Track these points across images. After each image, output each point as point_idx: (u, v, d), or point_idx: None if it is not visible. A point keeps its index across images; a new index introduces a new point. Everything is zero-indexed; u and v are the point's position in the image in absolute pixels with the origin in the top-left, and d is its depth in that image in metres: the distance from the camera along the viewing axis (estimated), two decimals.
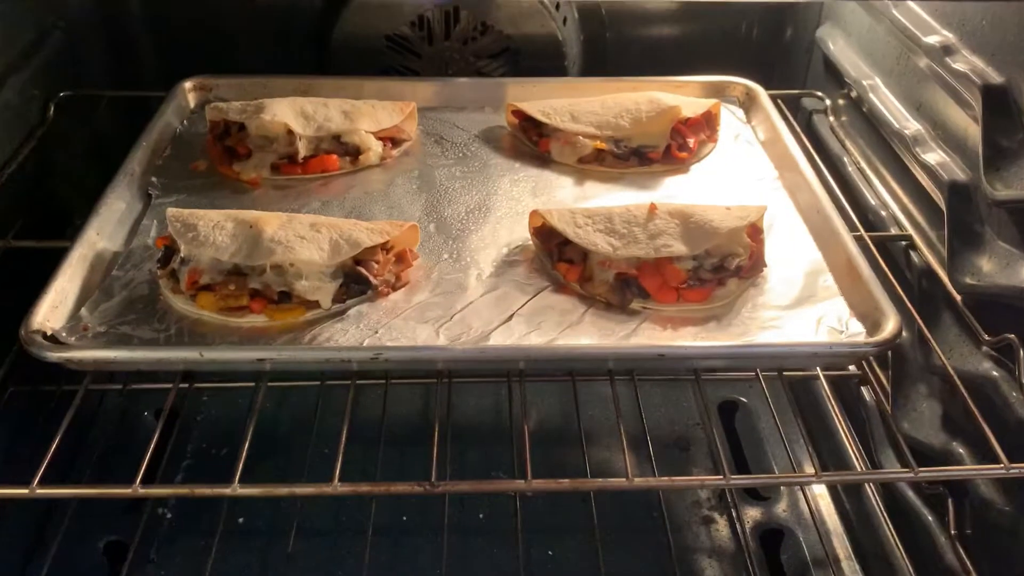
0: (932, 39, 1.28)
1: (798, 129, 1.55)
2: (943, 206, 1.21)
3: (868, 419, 1.39)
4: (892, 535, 1.32)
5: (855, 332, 1.08)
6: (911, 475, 1.02)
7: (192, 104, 1.54)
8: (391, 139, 1.45)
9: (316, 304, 1.10)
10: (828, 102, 1.70)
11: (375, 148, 1.40)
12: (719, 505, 1.47)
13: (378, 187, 1.36)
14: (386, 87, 1.57)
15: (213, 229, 1.14)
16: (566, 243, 1.18)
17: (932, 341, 1.19)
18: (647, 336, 1.09)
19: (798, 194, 1.35)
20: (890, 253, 1.37)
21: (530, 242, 1.24)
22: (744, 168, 1.43)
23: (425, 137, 1.49)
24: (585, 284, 1.15)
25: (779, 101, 1.60)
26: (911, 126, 1.37)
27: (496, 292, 1.15)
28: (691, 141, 1.43)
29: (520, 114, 1.48)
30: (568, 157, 1.43)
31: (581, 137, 1.42)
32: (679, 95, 1.51)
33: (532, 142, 1.47)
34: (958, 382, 1.13)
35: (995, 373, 1.14)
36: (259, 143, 1.37)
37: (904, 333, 1.12)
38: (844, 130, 1.64)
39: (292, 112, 1.39)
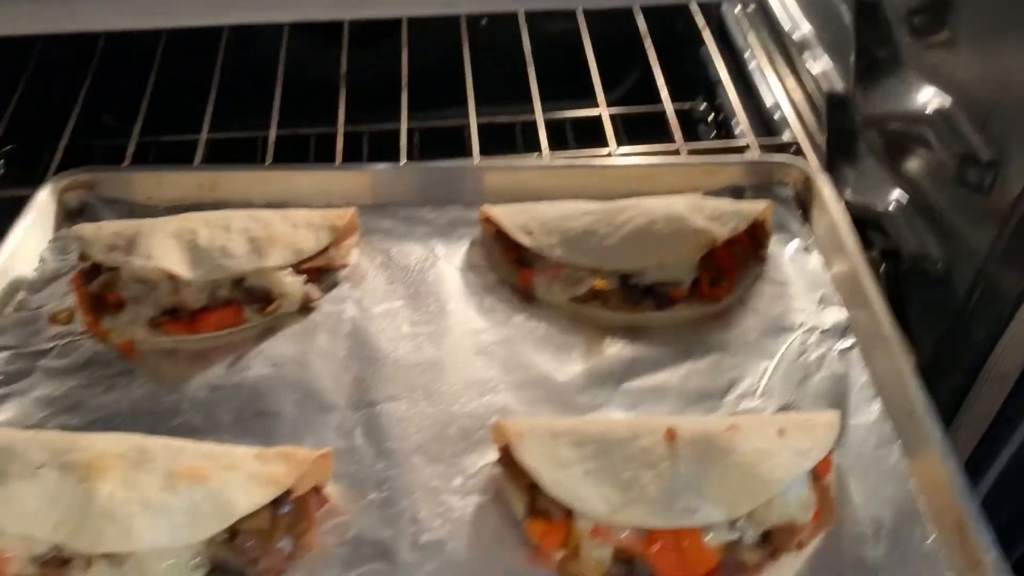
0: None
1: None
2: None
3: None
4: None
5: None
6: None
7: (70, 206, 1.17)
8: (319, 268, 1.07)
9: None
10: None
11: (293, 292, 1.03)
12: None
13: (291, 354, 0.99)
14: (323, 180, 1.18)
15: (31, 480, 0.79)
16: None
17: None
18: None
19: (876, 359, 0.96)
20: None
21: (494, 464, 0.87)
22: (801, 307, 1.04)
23: (368, 257, 1.11)
24: (569, 561, 0.78)
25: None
26: (802, 27, 1.34)
27: (439, 571, 0.79)
28: (728, 274, 1.04)
29: (496, 223, 1.09)
30: (558, 296, 1.04)
31: (576, 270, 1.03)
32: (708, 197, 1.10)
33: (510, 265, 1.08)
34: None
35: None
36: (136, 291, 1.01)
37: None
38: (749, 21, 1.56)
39: (179, 245, 1.02)
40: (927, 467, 0.85)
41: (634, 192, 1.16)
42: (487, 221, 1.10)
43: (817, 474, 0.81)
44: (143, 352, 1.00)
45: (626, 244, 1.02)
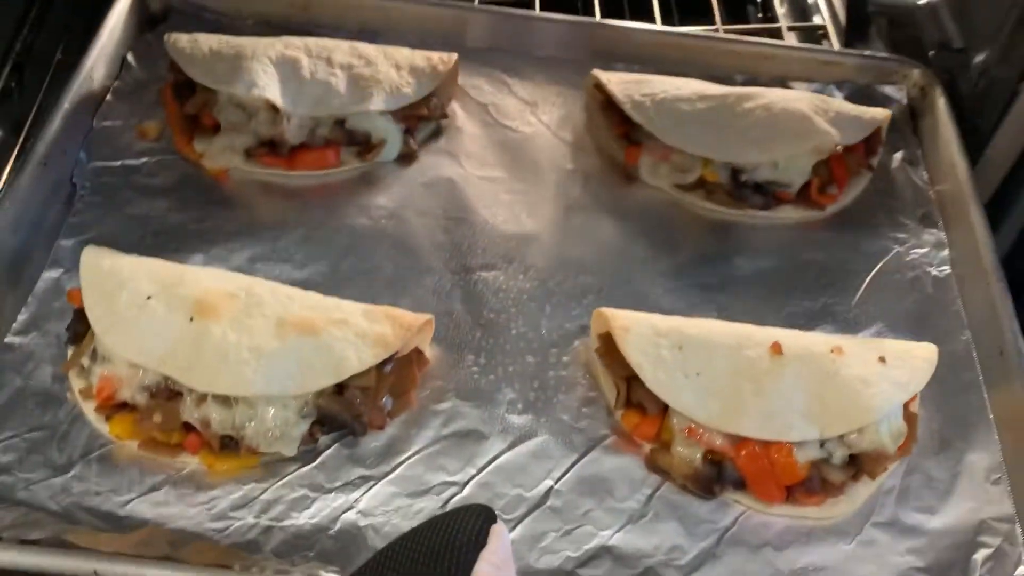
0: None
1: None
2: None
3: None
4: None
5: None
6: None
7: (154, 9, 1.10)
8: (418, 116, 1.03)
9: None
10: None
11: (393, 140, 0.99)
12: None
13: (389, 206, 0.97)
14: (421, 15, 1.11)
15: (139, 309, 0.79)
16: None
17: None
18: (743, 553, 0.77)
19: (971, 289, 0.96)
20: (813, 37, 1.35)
21: (588, 342, 0.88)
22: (902, 223, 1.02)
23: (467, 110, 1.07)
24: (659, 453, 0.81)
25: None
26: None
27: (530, 444, 0.81)
28: (839, 181, 1.01)
29: (606, 92, 1.04)
30: (662, 179, 1.02)
31: (686, 156, 1.00)
32: (828, 98, 1.05)
33: (616, 139, 1.04)
34: None
35: None
36: (232, 116, 0.97)
37: None
38: None
39: (281, 74, 0.97)
40: (1009, 406, 0.87)
41: (743, 71, 1.12)
42: (596, 87, 1.05)
43: (906, 403, 0.83)
44: (236, 180, 0.98)
45: (745, 137, 0.98)
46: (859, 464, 0.80)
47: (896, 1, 1.20)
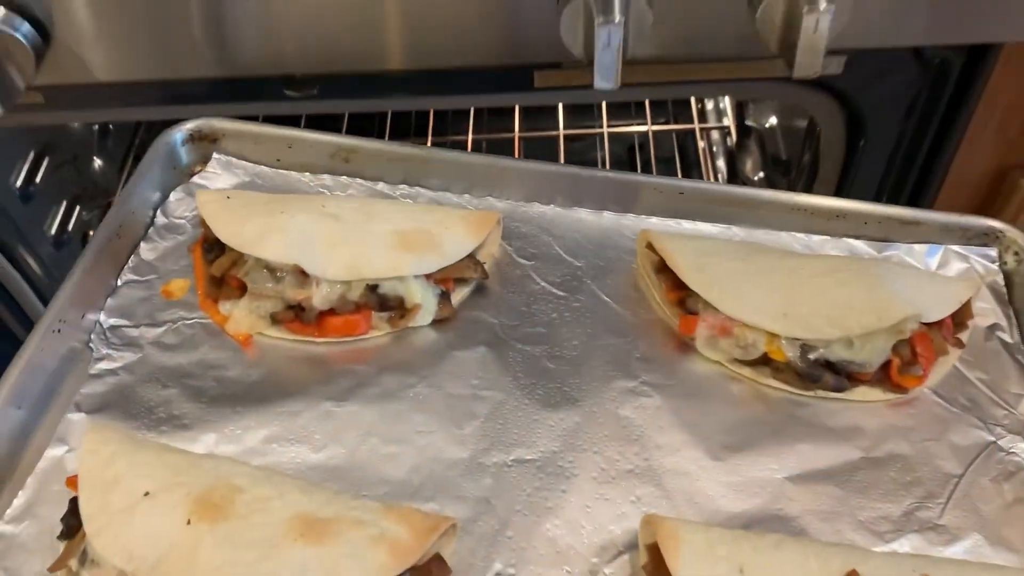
0: None
1: None
2: None
3: None
4: None
5: None
6: None
7: (186, 161, 1.07)
8: (456, 278, 0.96)
9: None
10: None
11: (428, 305, 0.92)
12: None
13: (419, 376, 0.89)
14: (465, 166, 1.06)
15: (135, 508, 0.72)
16: None
17: None
18: None
19: None
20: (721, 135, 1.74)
21: (635, 546, 0.77)
22: (1000, 411, 0.89)
23: (507, 267, 0.99)
24: None
25: None
26: None
27: None
28: (925, 361, 0.89)
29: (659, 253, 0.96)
30: (721, 354, 0.92)
31: (749, 330, 0.90)
32: (907, 268, 0.96)
33: (670, 306, 0.96)
34: None
35: None
36: (259, 280, 0.91)
37: None
38: None
39: (311, 236, 0.91)
40: None
41: (808, 230, 1.04)
42: (649, 247, 0.97)
43: None
44: (260, 346, 0.91)
45: (815, 312, 0.88)
46: None
47: (757, 120, 1.58)
